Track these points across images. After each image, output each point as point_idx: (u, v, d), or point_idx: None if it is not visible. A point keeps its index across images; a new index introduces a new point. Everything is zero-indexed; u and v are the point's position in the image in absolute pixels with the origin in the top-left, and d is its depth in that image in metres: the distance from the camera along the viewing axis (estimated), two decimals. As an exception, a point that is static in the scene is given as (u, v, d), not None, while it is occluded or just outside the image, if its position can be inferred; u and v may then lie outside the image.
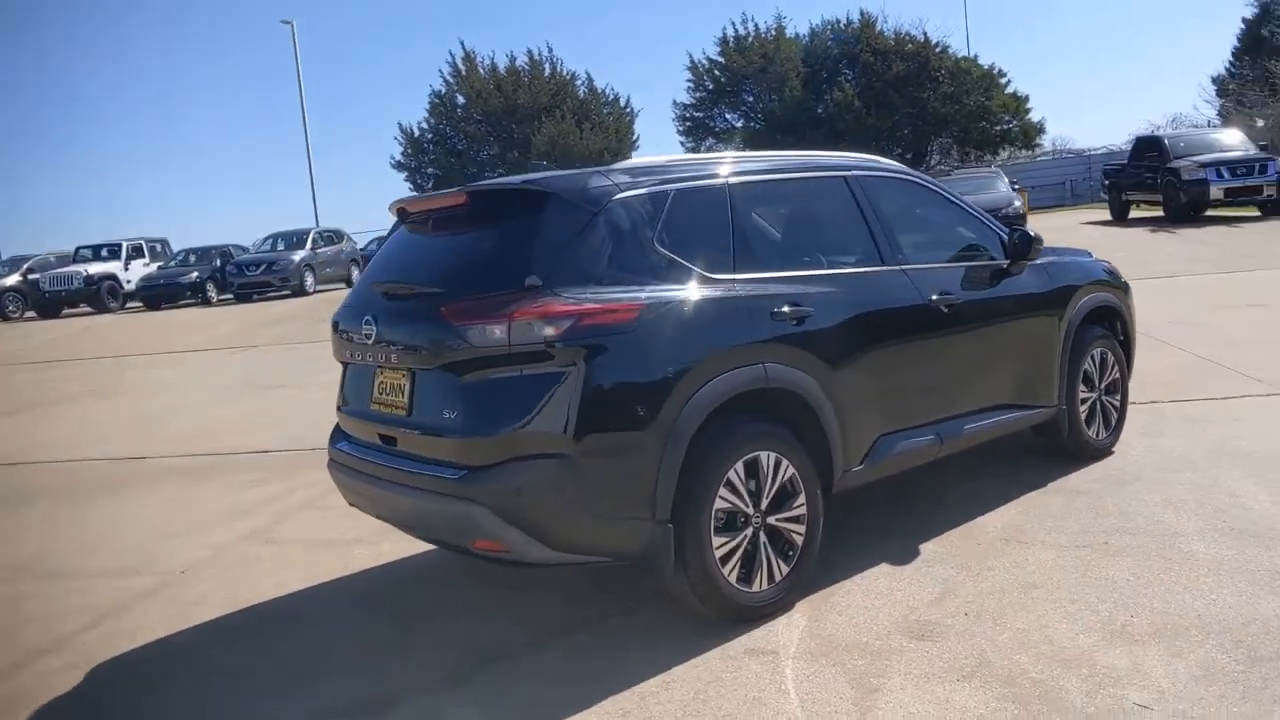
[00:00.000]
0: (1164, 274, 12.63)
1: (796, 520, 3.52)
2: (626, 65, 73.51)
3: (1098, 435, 4.92)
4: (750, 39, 36.75)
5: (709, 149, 38.00)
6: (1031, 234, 4.45)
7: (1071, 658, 2.99)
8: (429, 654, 3.47)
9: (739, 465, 3.35)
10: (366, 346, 3.56)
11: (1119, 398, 5.06)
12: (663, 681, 3.10)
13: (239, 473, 6.54)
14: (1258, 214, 18.82)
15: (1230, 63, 35.33)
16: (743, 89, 37.20)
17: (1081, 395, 4.79)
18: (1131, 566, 3.60)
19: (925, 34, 35.17)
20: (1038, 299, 4.58)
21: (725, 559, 3.32)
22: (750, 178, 3.81)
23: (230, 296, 23.82)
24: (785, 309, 3.53)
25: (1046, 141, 38.33)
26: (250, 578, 4.43)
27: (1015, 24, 67.82)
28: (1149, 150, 20.44)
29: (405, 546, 4.43)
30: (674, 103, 39.39)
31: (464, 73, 38.45)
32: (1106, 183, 23.02)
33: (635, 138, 39.33)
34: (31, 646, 3.85)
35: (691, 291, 3.33)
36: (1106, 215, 22.25)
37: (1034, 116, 35.95)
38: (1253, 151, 18.79)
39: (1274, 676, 2.78)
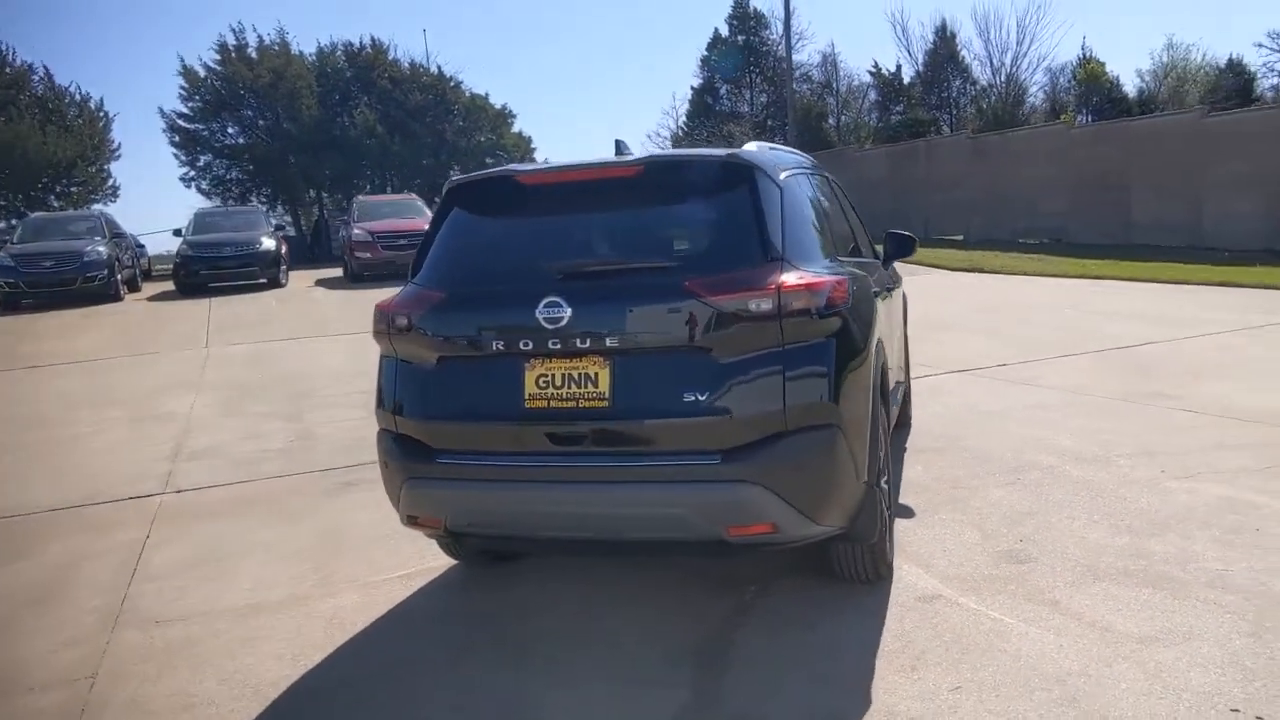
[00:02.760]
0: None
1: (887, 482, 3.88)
2: (101, 63, 62.83)
3: None
4: (252, 49, 34.21)
5: (209, 166, 34.56)
6: None
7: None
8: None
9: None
10: (541, 333, 3.08)
11: None
12: (898, 637, 3.26)
13: None
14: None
15: (685, 122, 42.32)
16: (245, 104, 34.42)
17: None
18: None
19: (439, 68, 36.27)
20: None
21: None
22: (810, 170, 4.10)
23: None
24: (877, 289, 3.90)
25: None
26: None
27: (514, 57, 71.41)
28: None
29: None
30: (162, 110, 34.95)
31: None
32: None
33: (116, 146, 34.07)
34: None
35: (844, 268, 3.54)
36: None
37: (538, 154, 39.19)
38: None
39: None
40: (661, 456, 3.03)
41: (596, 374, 3.07)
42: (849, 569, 3.56)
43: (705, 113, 40.27)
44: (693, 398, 3.00)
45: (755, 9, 40.65)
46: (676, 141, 41.73)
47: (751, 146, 3.60)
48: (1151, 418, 5.90)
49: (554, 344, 3.08)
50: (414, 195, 22.75)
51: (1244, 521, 4.05)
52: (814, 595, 3.65)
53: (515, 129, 38.26)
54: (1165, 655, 2.99)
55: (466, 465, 3.23)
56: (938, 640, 3.22)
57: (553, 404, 3.11)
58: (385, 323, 3.42)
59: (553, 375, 3.12)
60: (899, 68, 41.57)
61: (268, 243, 18.31)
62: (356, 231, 18.22)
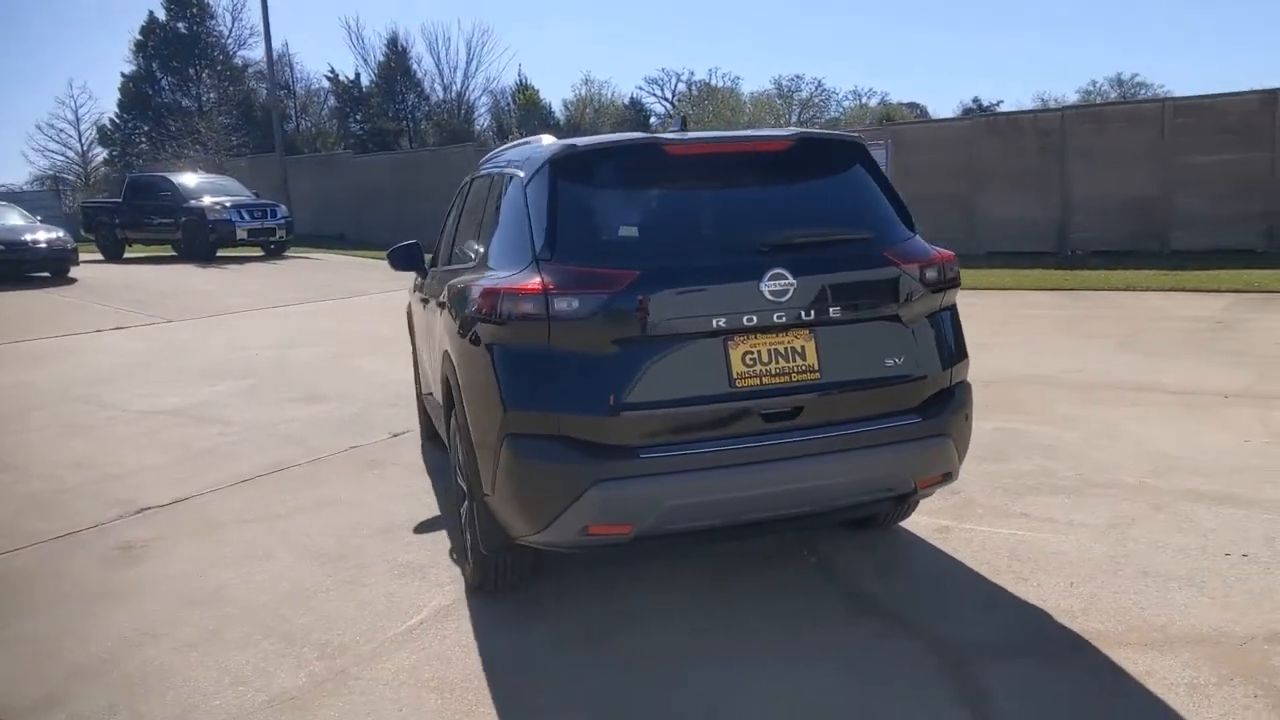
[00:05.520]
0: (278, 304, 14.03)
1: None
2: None
3: None
4: None
5: None
6: None
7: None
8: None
9: None
10: (761, 307, 2.95)
11: None
12: (954, 553, 3.80)
13: None
14: (262, 254, 21.25)
15: (116, 114, 36.71)
16: None
17: None
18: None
19: None
20: None
21: None
22: None
23: None
24: None
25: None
26: None
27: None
28: (154, 191, 20.75)
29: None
30: None
31: None
32: (90, 222, 22.13)
33: None
34: None
35: None
36: (98, 255, 21.50)
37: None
38: (263, 199, 21.12)
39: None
40: (869, 422, 3.14)
41: (804, 347, 3.06)
42: (896, 515, 3.99)
43: (143, 104, 35.48)
44: (891, 362, 3.18)
45: (197, -7, 37.03)
46: (105, 134, 36.08)
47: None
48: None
49: (769, 318, 2.99)
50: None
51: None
52: (862, 541, 4.04)
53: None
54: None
55: (676, 456, 2.94)
56: (987, 551, 3.85)
57: (765, 381, 3.02)
58: (536, 307, 2.93)
59: (759, 352, 3.02)
60: (358, 75, 41.34)
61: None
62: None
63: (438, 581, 3.89)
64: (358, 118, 41.15)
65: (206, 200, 19.90)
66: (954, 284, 3.37)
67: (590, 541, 3.03)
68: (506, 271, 3.21)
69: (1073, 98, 49.24)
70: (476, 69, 50.82)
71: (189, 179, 21.34)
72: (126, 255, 21.75)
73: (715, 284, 2.98)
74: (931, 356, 3.28)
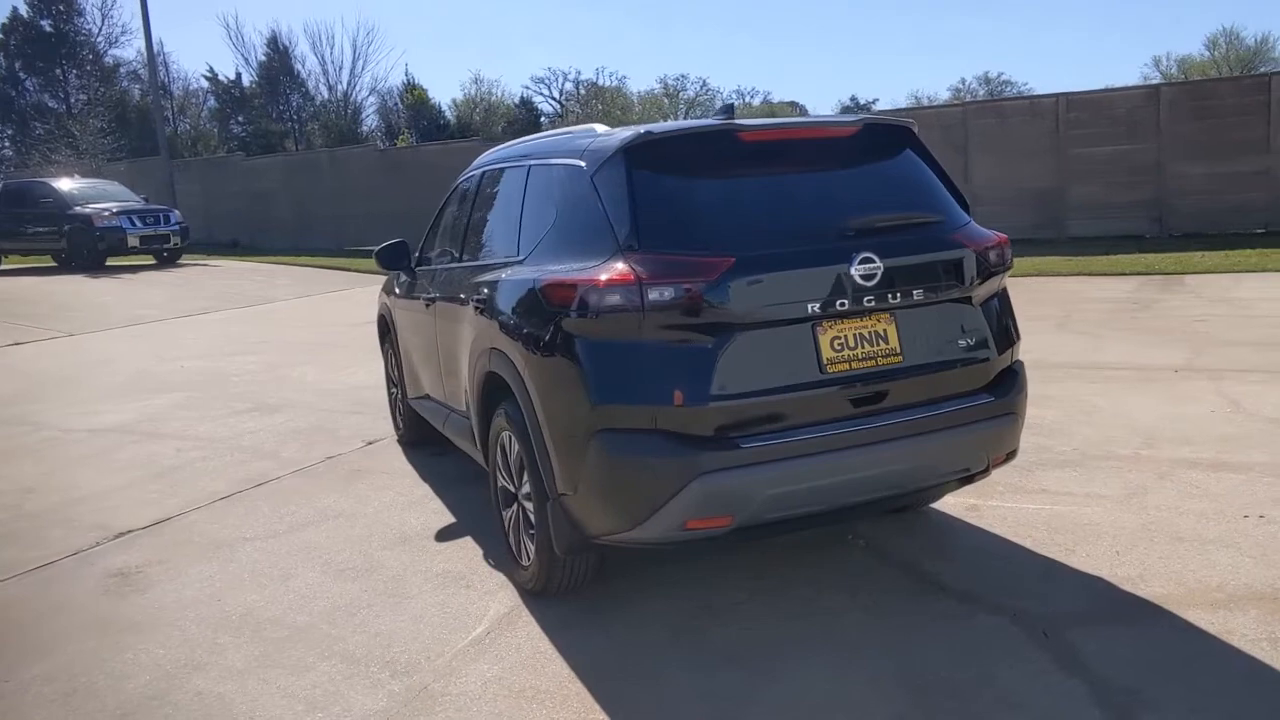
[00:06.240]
0: (189, 314, 13.37)
1: None
2: None
3: None
4: None
5: None
6: None
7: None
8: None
9: None
10: (853, 291, 2.95)
11: None
12: (994, 526, 3.91)
13: None
14: (154, 262, 20.13)
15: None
16: None
17: None
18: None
19: None
20: None
21: None
22: None
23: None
24: None
25: None
26: None
27: None
28: (32, 197, 19.38)
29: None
30: None
31: None
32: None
33: None
34: None
35: None
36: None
37: None
38: (153, 204, 19.98)
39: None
40: (948, 402, 3.17)
41: (886, 330, 3.08)
42: (934, 496, 4.06)
43: (6, 106, 33.10)
44: (964, 343, 3.23)
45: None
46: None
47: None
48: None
49: (861, 301, 2.99)
50: None
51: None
52: (898, 524, 4.11)
53: None
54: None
55: (776, 444, 2.90)
56: (1024, 526, 3.96)
57: (853, 365, 3.02)
58: (628, 297, 2.85)
59: (846, 336, 3.02)
60: (239, 75, 39.60)
61: None
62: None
63: (485, 589, 3.74)
64: (240, 119, 39.43)
65: (92, 207, 18.74)
66: (1009, 266, 3.46)
67: (685, 536, 2.97)
68: (578, 264, 3.11)
69: (944, 95, 51.47)
70: (363, 68, 49.59)
71: (71, 184, 20.05)
72: (2, 267, 20.30)
73: (808, 268, 2.97)
74: (996, 337, 3.34)
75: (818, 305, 2.96)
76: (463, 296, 4.13)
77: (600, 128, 3.53)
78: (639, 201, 3.02)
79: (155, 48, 25.49)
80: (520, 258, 3.60)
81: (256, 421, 6.88)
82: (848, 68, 79.89)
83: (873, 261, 2.99)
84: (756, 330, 2.93)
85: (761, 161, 3.23)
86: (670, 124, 3.42)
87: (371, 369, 8.47)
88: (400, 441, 6.08)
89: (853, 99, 51.43)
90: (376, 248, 5.35)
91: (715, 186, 3.16)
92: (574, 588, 3.50)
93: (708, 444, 2.87)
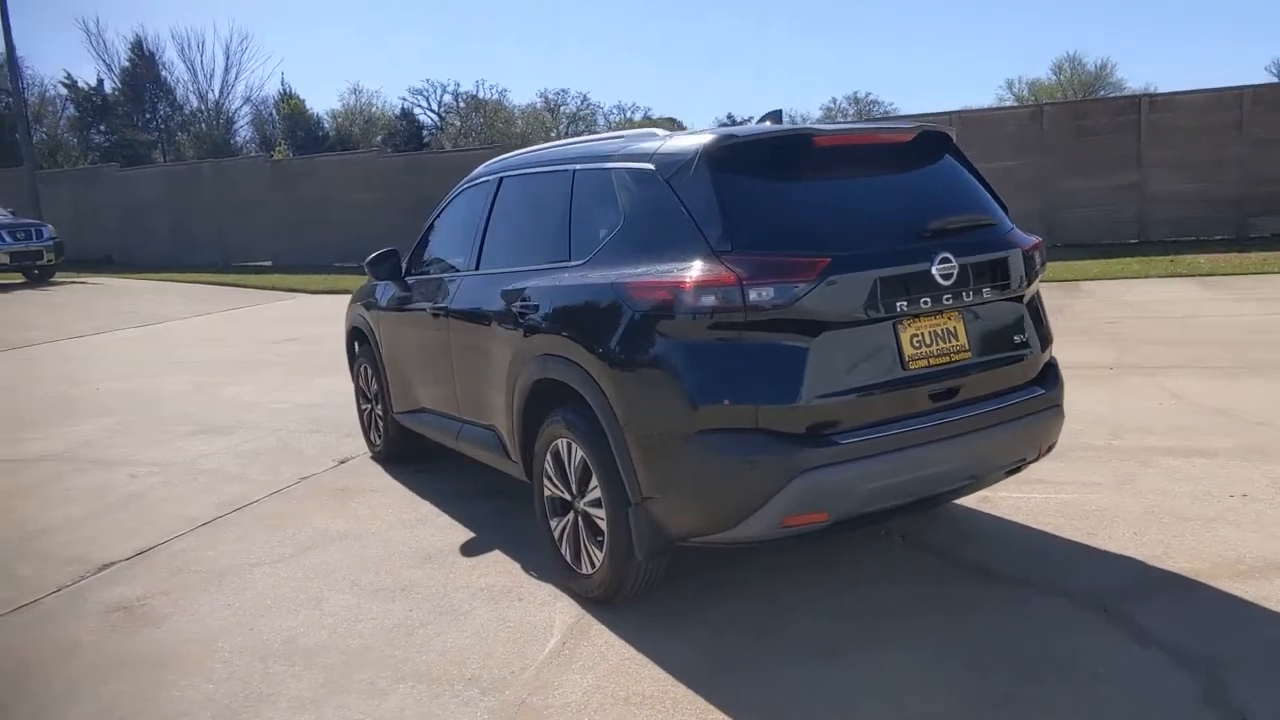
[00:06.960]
0: (80, 334, 12.59)
1: None
2: None
3: None
4: None
5: None
6: None
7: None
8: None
9: None
10: (932, 289, 3.07)
11: None
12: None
13: None
14: (23, 280, 18.76)
15: None
16: None
17: None
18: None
19: None
20: None
21: None
22: None
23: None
24: None
25: None
26: None
27: None
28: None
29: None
30: None
31: None
32: None
33: None
34: None
35: None
36: None
37: None
38: (24, 218, 18.59)
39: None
40: (1009, 396, 3.33)
41: (955, 328, 3.21)
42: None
43: None
44: (1018, 339, 3.41)
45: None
46: None
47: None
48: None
49: (940, 300, 3.11)
50: None
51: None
52: (918, 516, 4.25)
53: None
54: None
55: (871, 440, 2.97)
56: (1038, 514, 4.18)
57: (931, 362, 3.13)
58: (728, 298, 2.88)
59: (923, 334, 3.13)
60: (101, 82, 37.31)
61: None
62: None
63: (539, 601, 3.68)
64: (102, 128, 37.14)
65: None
66: (1044, 266, 3.67)
67: (781, 534, 3.01)
68: (657, 266, 3.12)
69: (816, 114, 53.28)
70: (236, 77, 47.59)
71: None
72: None
73: (896, 267, 3.07)
74: (1039, 333, 3.55)
75: (904, 303, 3.07)
76: (491, 306, 4.05)
77: (660, 131, 3.55)
78: (728, 203, 3.06)
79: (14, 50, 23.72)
80: (575, 263, 3.57)
81: (208, 444, 6.52)
82: (725, 85, 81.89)
83: (950, 261, 3.13)
84: (846, 328, 3.01)
85: (835, 165, 3.32)
86: (749, 128, 3.47)
87: (318, 387, 8.17)
88: (377, 459, 5.88)
89: (729, 116, 52.59)
90: (367, 257, 5.19)
91: (797, 189, 3.22)
92: (644, 593, 3.49)
93: (807, 441, 2.93)
